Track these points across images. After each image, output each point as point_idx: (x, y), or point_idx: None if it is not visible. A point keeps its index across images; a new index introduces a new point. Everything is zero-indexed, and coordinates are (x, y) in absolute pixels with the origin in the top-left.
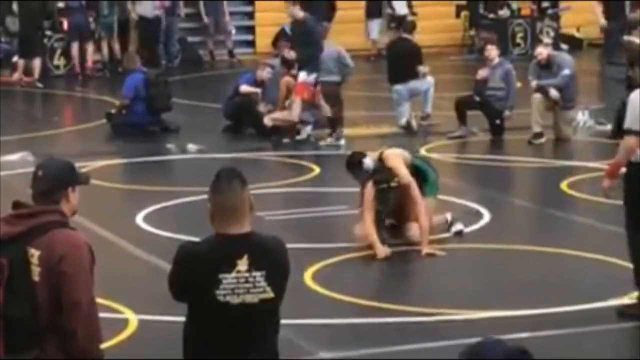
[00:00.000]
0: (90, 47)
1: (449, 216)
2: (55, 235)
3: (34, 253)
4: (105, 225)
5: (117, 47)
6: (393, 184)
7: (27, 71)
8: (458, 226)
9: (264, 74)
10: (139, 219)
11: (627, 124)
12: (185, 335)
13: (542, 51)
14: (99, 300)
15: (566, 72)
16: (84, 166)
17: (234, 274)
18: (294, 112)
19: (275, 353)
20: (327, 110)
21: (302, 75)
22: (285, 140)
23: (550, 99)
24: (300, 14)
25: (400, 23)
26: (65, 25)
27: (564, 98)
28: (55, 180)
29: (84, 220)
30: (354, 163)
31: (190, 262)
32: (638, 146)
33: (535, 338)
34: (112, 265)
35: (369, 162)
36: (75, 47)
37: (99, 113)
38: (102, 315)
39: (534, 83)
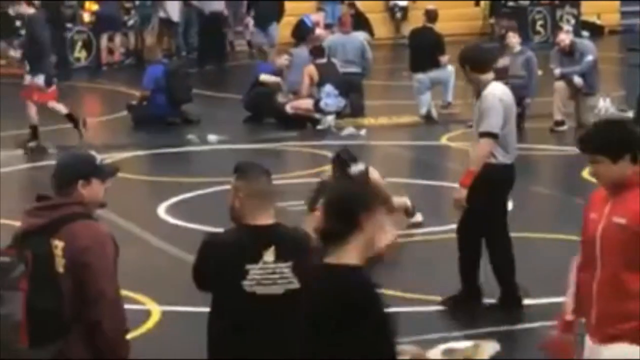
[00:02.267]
0: (118, 39)
1: (408, 202)
2: (78, 227)
3: (58, 244)
4: (127, 217)
5: (148, 38)
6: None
7: None
8: (418, 217)
9: (282, 60)
10: (161, 210)
11: (485, 127)
12: (210, 325)
13: (564, 38)
14: (121, 292)
15: (589, 58)
16: (106, 158)
17: (260, 265)
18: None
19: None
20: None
21: (28, 78)
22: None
23: (574, 86)
24: (29, 10)
25: (405, 14)
26: (87, 17)
27: (586, 85)
28: (64, 173)
29: (105, 212)
30: (343, 160)
31: (216, 253)
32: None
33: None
34: (134, 256)
35: (356, 168)
36: (104, 39)
37: (120, 105)
38: (125, 306)
39: (557, 71)
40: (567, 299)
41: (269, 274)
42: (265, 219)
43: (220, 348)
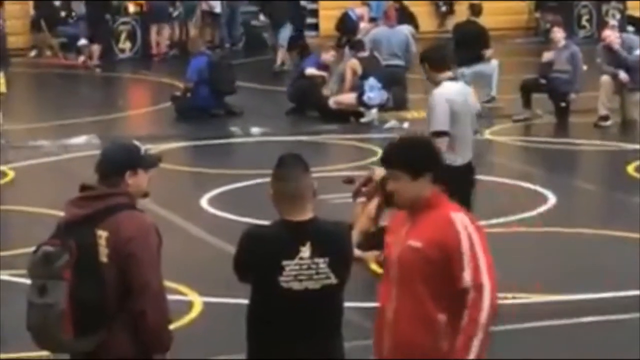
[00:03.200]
0: (165, 31)
1: None
2: (122, 217)
3: (102, 235)
4: (170, 208)
5: (192, 30)
6: None
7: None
8: None
9: (329, 57)
10: (204, 201)
11: (432, 127)
12: (249, 318)
13: (610, 34)
14: (164, 282)
15: (637, 52)
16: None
17: (296, 261)
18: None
19: (339, 337)
20: None
21: None
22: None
23: (619, 81)
24: None
25: (450, 7)
26: (132, 8)
27: (631, 80)
28: (112, 164)
29: (148, 202)
30: None
31: (254, 247)
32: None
33: (602, 322)
34: (177, 247)
35: None
36: (154, 30)
37: (164, 96)
38: (167, 297)
39: (605, 68)
40: None
41: (304, 270)
42: (303, 215)
43: (258, 342)
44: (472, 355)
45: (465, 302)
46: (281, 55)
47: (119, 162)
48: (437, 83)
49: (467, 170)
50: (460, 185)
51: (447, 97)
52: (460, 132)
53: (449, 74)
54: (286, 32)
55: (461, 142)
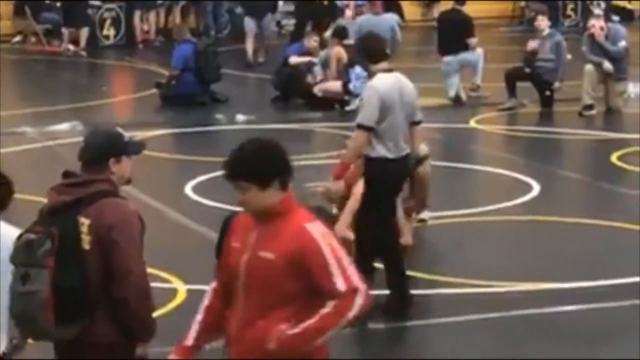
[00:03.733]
0: (152, 17)
1: None
2: (105, 205)
3: (85, 222)
4: (154, 195)
5: (177, 17)
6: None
7: (76, 41)
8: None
9: (312, 42)
10: (188, 189)
11: (359, 119)
12: None
13: (595, 24)
14: (148, 269)
15: (622, 43)
16: (133, 136)
17: None
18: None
19: None
20: None
21: None
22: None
23: (603, 70)
24: None
25: None
26: None
27: (616, 70)
28: (96, 151)
29: (132, 190)
30: None
31: None
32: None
33: (582, 311)
34: (161, 234)
35: None
36: (137, 16)
37: (148, 83)
38: (151, 284)
39: (590, 57)
40: (194, 325)
41: None
42: None
43: None
44: (316, 341)
45: (333, 303)
46: (250, 45)
47: (103, 149)
48: (372, 74)
49: (399, 164)
50: (390, 178)
51: (379, 90)
52: (391, 125)
53: (384, 65)
54: (269, 24)
55: (392, 135)
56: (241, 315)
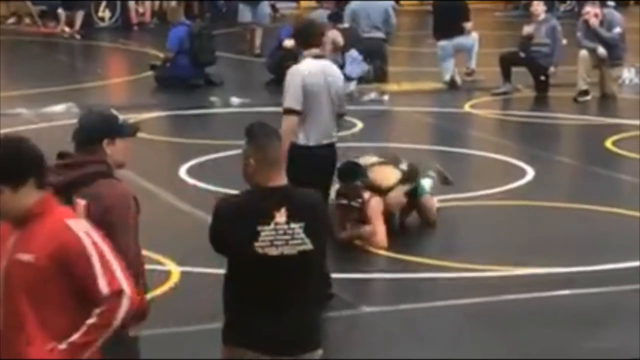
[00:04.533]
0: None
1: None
2: (101, 186)
3: (79, 203)
4: (148, 178)
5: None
6: (354, 204)
7: (72, 23)
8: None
9: None
10: (182, 171)
11: (285, 104)
12: (225, 287)
13: (590, 10)
14: (142, 251)
15: (617, 30)
16: (128, 118)
17: (272, 226)
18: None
19: (316, 306)
20: None
21: None
22: None
23: (598, 56)
24: None
25: None
26: None
27: (611, 55)
28: (89, 132)
29: (127, 172)
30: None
31: (229, 216)
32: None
33: (576, 295)
34: (155, 217)
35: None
36: None
37: (143, 66)
38: (145, 266)
39: (585, 43)
40: None
41: (280, 235)
42: (277, 181)
43: (235, 310)
44: (85, 355)
45: (97, 310)
46: (258, 35)
47: (96, 130)
48: (303, 59)
49: (322, 153)
50: (312, 166)
51: (302, 74)
52: (313, 112)
53: (315, 51)
54: (264, 9)
55: (315, 122)
56: (2, 328)
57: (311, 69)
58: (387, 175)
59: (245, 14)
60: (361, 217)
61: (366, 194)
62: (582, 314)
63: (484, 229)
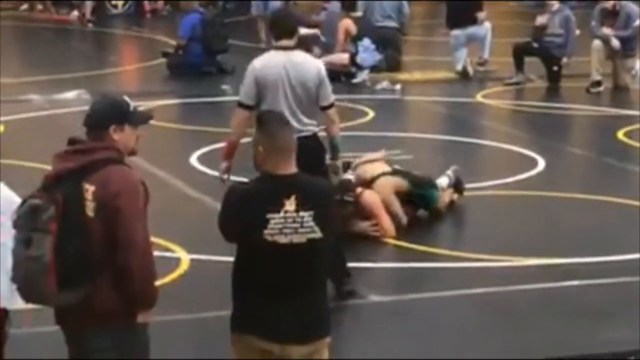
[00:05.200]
0: None
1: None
2: (110, 172)
3: (89, 188)
4: (159, 165)
5: None
6: (347, 198)
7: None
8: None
9: (319, 16)
10: (193, 159)
11: (239, 97)
12: (234, 275)
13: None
14: (152, 239)
15: (637, 23)
16: (140, 105)
17: (281, 214)
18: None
19: (324, 294)
20: None
21: None
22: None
23: (612, 47)
24: None
25: None
26: None
27: (625, 47)
28: (98, 116)
29: (138, 159)
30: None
31: (239, 203)
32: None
33: (585, 286)
34: (166, 204)
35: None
36: None
37: (156, 53)
38: (155, 253)
39: (602, 31)
40: None
41: (290, 223)
42: (287, 169)
43: (243, 298)
44: None
45: None
46: (262, 28)
47: (105, 115)
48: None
49: None
50: None
51: (254, 68)
52: (267, 105)
53: (284, 42)
54: (276, 3)
55: None
56: None
57: (266, 62)
58: (375, 167)
59: (257, 6)
60: (357, 211)
61: (358, 189)
62: (591, 305)
63: (494, 219)
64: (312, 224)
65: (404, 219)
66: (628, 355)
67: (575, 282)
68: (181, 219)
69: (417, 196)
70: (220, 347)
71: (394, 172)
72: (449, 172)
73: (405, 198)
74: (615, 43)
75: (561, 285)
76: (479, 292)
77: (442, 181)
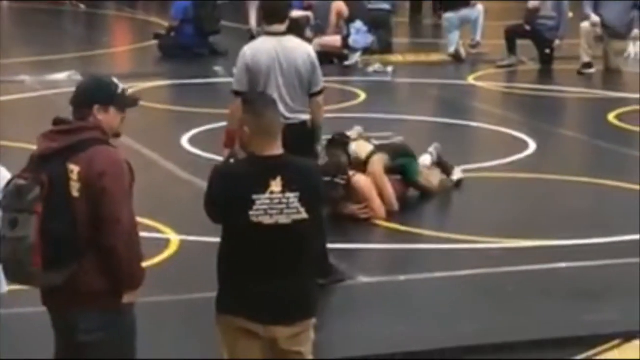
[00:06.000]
0: None
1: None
2: (95, 152)
3: (74, 169)
4: (150, 146)
5: None
6: (338, 180)
7: None
8: (457, 174)
9: None
10: (185, 140)
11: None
12: (220, 256)
13: None
14: (142, 220)
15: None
16: (131, 86)
17: (267, 195)
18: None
19: (311, 276)
20: None
21: None
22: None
23: (602, 29)
24: None
25: None
26: None
27: (615, 30)
28: (82, 94)
29: (129, 140)
30: (338, 142)
31: (224, 184)
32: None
33: (575, 268)
34: (156, 185)
35: (353, 148)
36: None
37: (148, 34)
38: (144, 235)
39: (593, 17)
40: None
41: (275, 204)
42: (273, 150)
43: (229, 278)
44: None
45: None
46: (252, 14)
47: (89, 94)
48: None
49: None
50: None
51: (244, 54)
52: (263, 91)
53: (275, 28)
54: None
55: None
56: None
57: (256, 49)
58: (364, 146)
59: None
60: (348, 194)
61: (350, 172)
62: (582, 286)
63: (484, 201)
64: (297, 205)
65: (396, 206)
66: (613, 338)
67: (563, 265)
68: (171, 200)
69: (396, 169)
70: (207, 328)
71: (378, 149)
72: (431, 149)
73: (388, 173)
74: (594, 19)
75: (550, 267)
76: (468, 274)
77: (425, 159)
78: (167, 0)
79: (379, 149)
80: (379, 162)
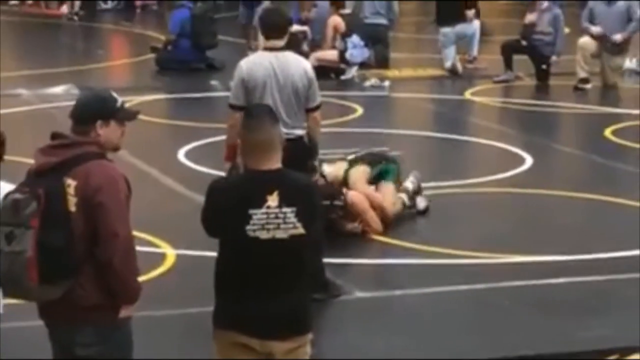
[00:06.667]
0: None
1: (405, 198)
2: (91, 167)
3: (71, 183)
4: (147, 160)
5: None
6: (337, 203)
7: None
8: (421, 204)
9: (311, 14)
10: (181, 154)
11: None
12: (217, 270)
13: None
14: (138, 234)
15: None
16: (128, 100)
17: (264, 210)
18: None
19: (307, 291)
20: None
21: None
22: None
23: (599, 43)
24: None
25: None
26: None
27: (613, 44)
28: (83, 110)
29: (125, 154)
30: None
31: (221, 198)
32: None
33: (572, 283)
34: (153, 199)
35: (326, 170)
36: None
37: (145, 48)
38: (140, 249)
39: (592, 29)
40: None
41: (272, 219)
42: (271, 164)
43: (226, 293)
44: None
45: None
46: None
47: (92, 110)
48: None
49: None
50: None
51: (240, 69)
52: None
53: (273, 43)
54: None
55: None
56: None
57: (253, 63)
58: (338, 165)
59: (242, 14)
60: (345, 213)
61: (343, 190)
62: (578, 302)
63: (481, 217)
64: (294, 220)
65: (389, 212)
66: (609, 354)
67: (562, 280)
68: (168, 214)
69: (377, 176)
70: (204, 342)
71: (355, 161)
72: (411, 177)
73: (372, 182)
74: (596, 29)
75: (546, 282)
76: (465, 289)
77: (407, 185)
78: (164, 14)
79: (354, 161)
80: (356, 173)
